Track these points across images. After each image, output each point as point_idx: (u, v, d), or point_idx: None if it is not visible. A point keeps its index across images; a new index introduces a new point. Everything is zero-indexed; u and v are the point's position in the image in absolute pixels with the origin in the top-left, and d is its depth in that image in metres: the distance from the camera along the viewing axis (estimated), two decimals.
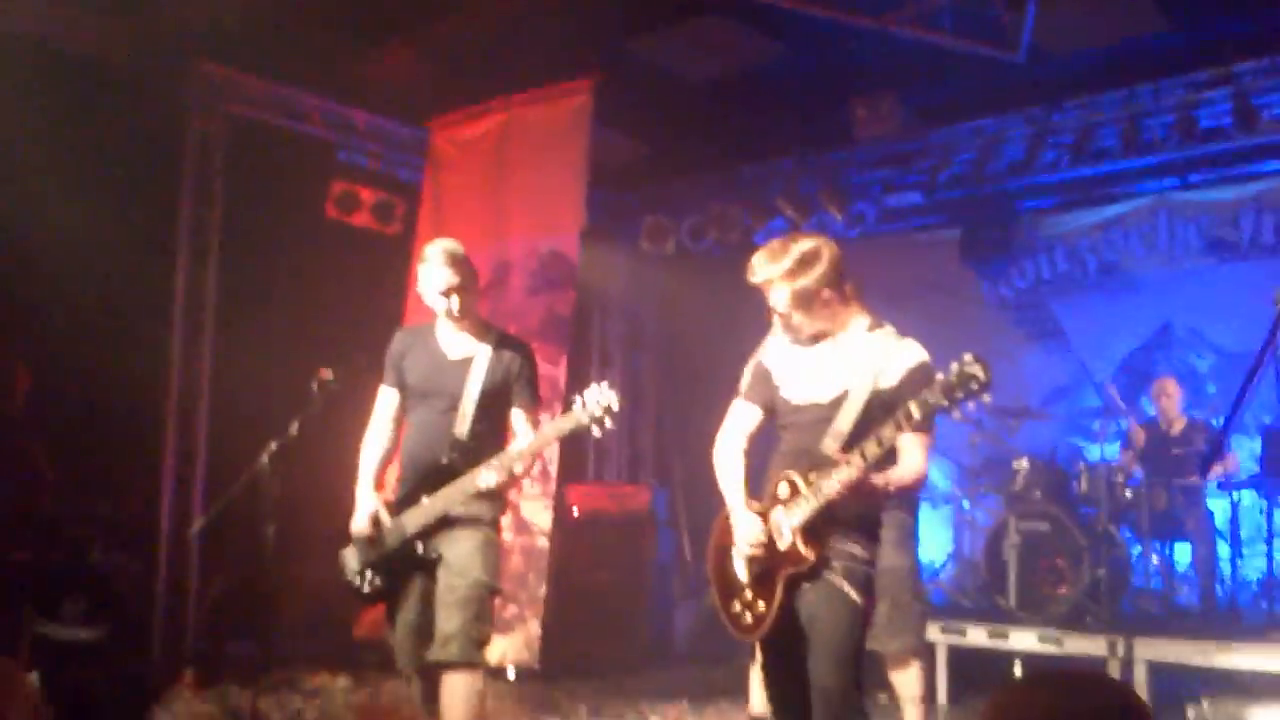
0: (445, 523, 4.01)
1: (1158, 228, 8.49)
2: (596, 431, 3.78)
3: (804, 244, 3.32)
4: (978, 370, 2.90)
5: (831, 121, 8.25)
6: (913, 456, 3.22)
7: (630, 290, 8.94)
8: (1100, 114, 7.69)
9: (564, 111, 7.69)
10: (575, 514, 7.87)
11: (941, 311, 8.26)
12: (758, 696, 5.16)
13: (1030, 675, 1.56)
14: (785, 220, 8.50)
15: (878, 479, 3.14)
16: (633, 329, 9.14)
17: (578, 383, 8.12)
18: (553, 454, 7.23)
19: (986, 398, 2.93)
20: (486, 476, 3.88)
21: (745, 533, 3.29)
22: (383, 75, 7.91)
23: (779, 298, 3.31)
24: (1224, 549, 7.15)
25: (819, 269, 3.27)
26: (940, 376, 2.96)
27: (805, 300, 3.30)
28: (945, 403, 2.93)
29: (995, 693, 1.57)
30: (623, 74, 7.51)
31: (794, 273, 3.27)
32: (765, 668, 3.50)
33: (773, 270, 3.29)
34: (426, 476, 4.05)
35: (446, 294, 4.10)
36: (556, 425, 3.90)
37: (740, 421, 3.53)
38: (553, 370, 7.39)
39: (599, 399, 3.72)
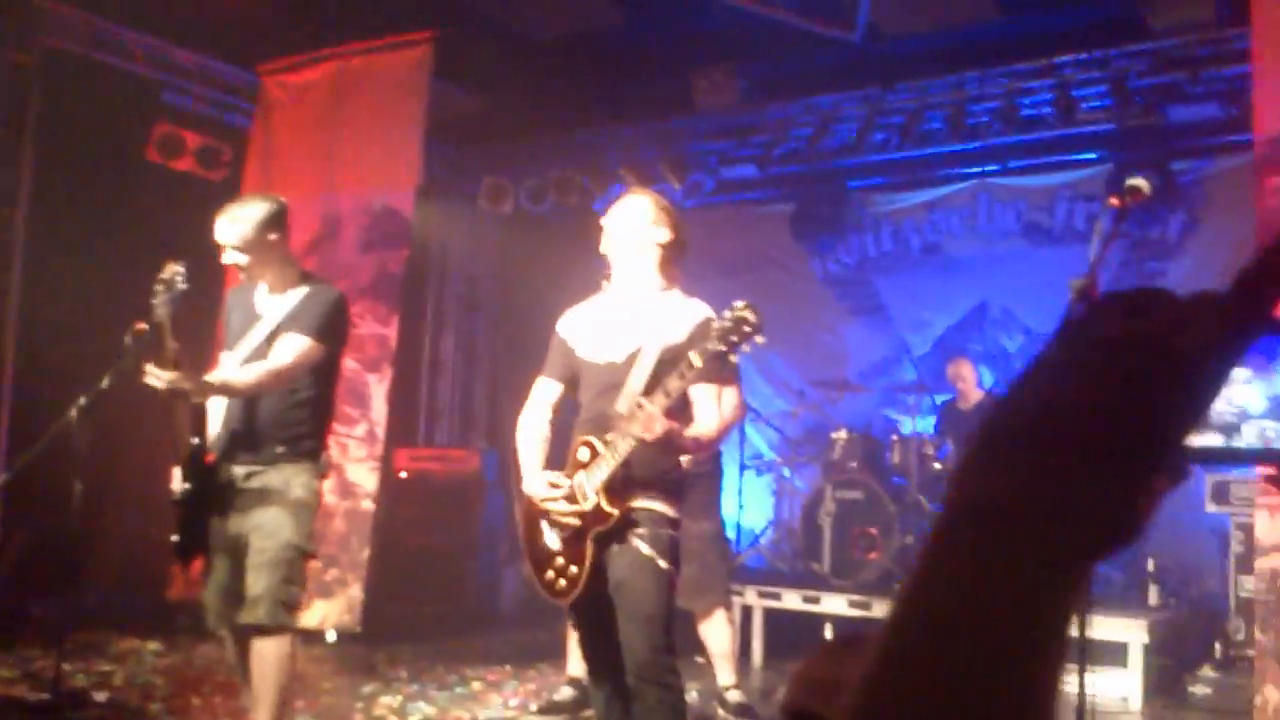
0: (254, 485, 3.94)
1: (977, 210, 8.83)
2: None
3: None
4: (748, 314, 3.06)
5: (672, 90, 8.32)
6: (707, 408, 3.35)
7: (467, 251, 8.85)
8: (929, 98, 7.97)
9: (402, 64, 7.55)
10: (403, 476, 7.80)
11: (771, 285, 8.45)
12: (575, 659, 5.25)
13: (839, 640, 1.61)
14: (624, 187, 8.54)
15: (675, 433, 3.22)
16: (469, 290, 9.06)
17: (410, 343, 8.09)
18: (380, 417, 7.15)
19: (760, 339, 3.07)
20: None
21: (537, 490, 3.41)
22: (212, 14, 7.59)
23: (645, 216, 3.46)
24: None
25: (676, 216, 3.54)
26: (715, 324, 3.08)
27: (660, 231, 3.46)
28: (722, 348, 3.07)
29: (807, 658, 1.61)
30: (464, 28, 7.41)
31: (663, 206, 3.52)
32: (580, 630, 3.58)
33: (645, 197, 3.54)
34: (229, 434, 3.99)
35: (230, 252, 4.03)
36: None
37: (541, 396, 3.63)
38: (383, 330, 7.29)
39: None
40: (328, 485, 6.84)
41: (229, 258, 4.04)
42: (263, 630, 3.88)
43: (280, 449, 3.95)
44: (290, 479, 3.98)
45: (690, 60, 8.18)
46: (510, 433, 9.27)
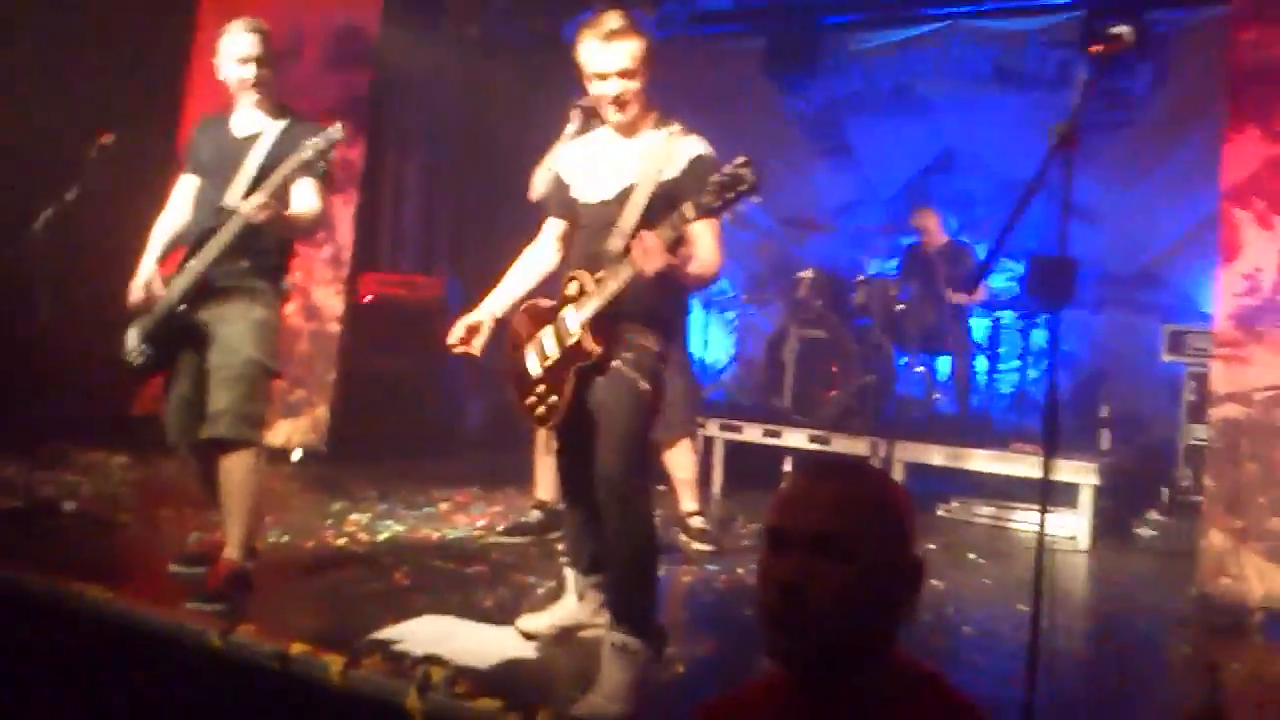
0: (216, 292, 3.94)
1: (949, 52, 8.69)
2: (321, 164, 3.87)
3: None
4: (745, 173, 2.99)
5: None
6: (708, 245, 3.31)
7: (433, 75, 8.62)
8: None
9: None
10: (367, 300, 7.78)
11: (741, 121, 8.31)
12: (543, 483, 5.36)
13: (817, 466, 1.76)
14: (594, 12, 8.30)
15: (675, 268, 3.15)
16: (434, 115, 8.85)
17: (375, 167, 7.95)
18: (346, 240, 7.09)
19: (756, 198, 3.04)
20: (254, 200, 3.75)
21: (455, 328, 3.50)
22: None
23: (628, 56, 3.27)
24: (983, 363, 7.73)
25: (653, 47, 3.34)
26: (713, 178, 3.04)
27: (646, 70, 3.32)
28: (718, 204, 3.02)
29: (787, 481, 1.73)
30: None
31: (647, 37, 3.33)
32: (559, 451, 3.64)
33: (627, 27, 3.29)
34: (196, 246, 3.96)
35: (244, 63, 4.01)
36: (289, 162, 3.82)
37: (546, 231, 3.66)
38: (348, 153, 7.16)
39: (326, 134, 3.82)
40: (293, 307, 6.86)
41: (239, 70, 4.02)
42: (225, 444, 3.92)
43: (244, 263, 3.94)
44: (253, 296, 3.98)
45: None
46: (474, 260, 9.18)
